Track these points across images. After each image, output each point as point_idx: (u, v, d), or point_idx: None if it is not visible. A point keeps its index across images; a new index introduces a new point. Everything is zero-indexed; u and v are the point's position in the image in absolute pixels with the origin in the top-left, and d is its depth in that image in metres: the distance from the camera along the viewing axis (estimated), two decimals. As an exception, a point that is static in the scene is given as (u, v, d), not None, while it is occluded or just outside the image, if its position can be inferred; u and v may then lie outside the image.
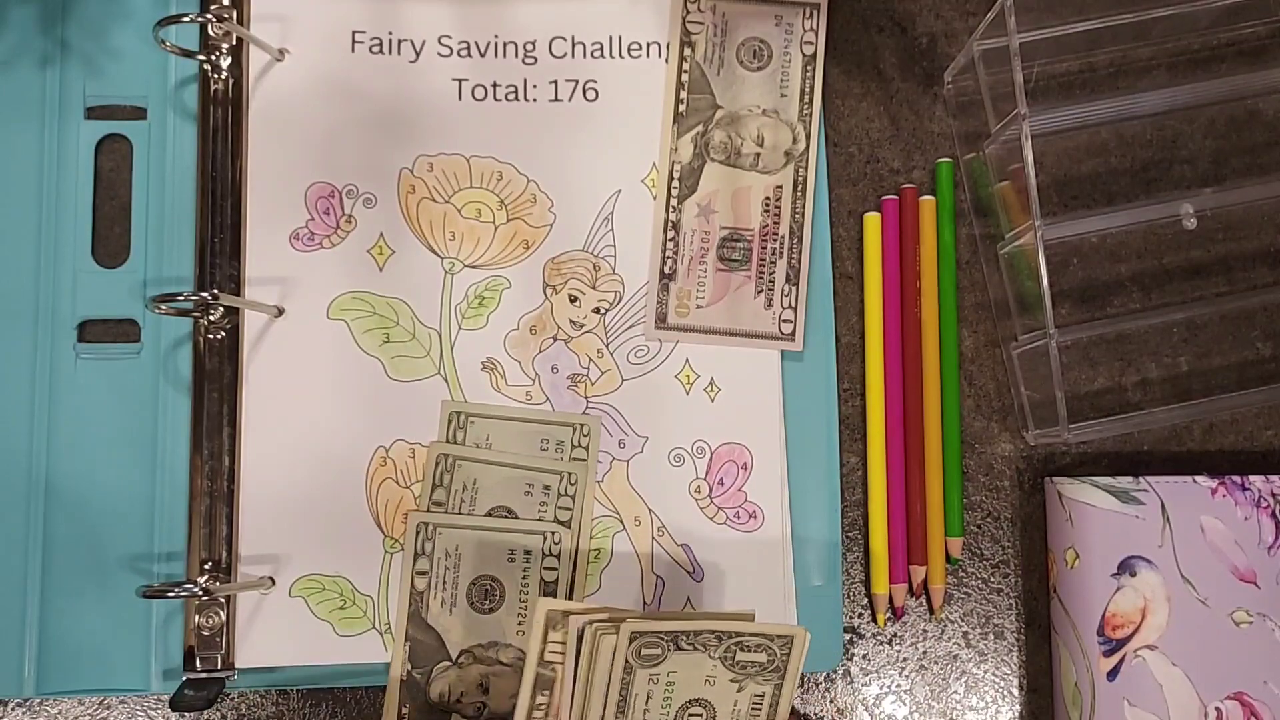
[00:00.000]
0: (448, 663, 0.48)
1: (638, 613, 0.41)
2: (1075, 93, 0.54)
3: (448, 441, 0.49)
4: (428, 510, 0.49)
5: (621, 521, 0.50)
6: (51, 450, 0.49)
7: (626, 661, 0.40)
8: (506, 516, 0.49)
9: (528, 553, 0.49)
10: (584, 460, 0.50)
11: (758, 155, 0.52)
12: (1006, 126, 0.48)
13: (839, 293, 0.52)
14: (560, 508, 0.49)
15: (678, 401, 0.51)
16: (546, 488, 0.49)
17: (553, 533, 0.49)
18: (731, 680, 0.41)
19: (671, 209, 0.51)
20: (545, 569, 0.49)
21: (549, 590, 0.48)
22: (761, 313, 0.51)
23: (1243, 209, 0.53)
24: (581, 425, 0.50)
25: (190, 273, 0.50)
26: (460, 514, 0.49)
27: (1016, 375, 0.52)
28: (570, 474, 0.49)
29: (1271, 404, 0.52)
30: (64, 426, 0.50)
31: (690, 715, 0.42)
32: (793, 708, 0.42)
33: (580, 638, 0.41)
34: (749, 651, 0.41)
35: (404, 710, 0.48)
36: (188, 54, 0.50)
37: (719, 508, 0.50)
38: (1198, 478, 0.49)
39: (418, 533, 0.49)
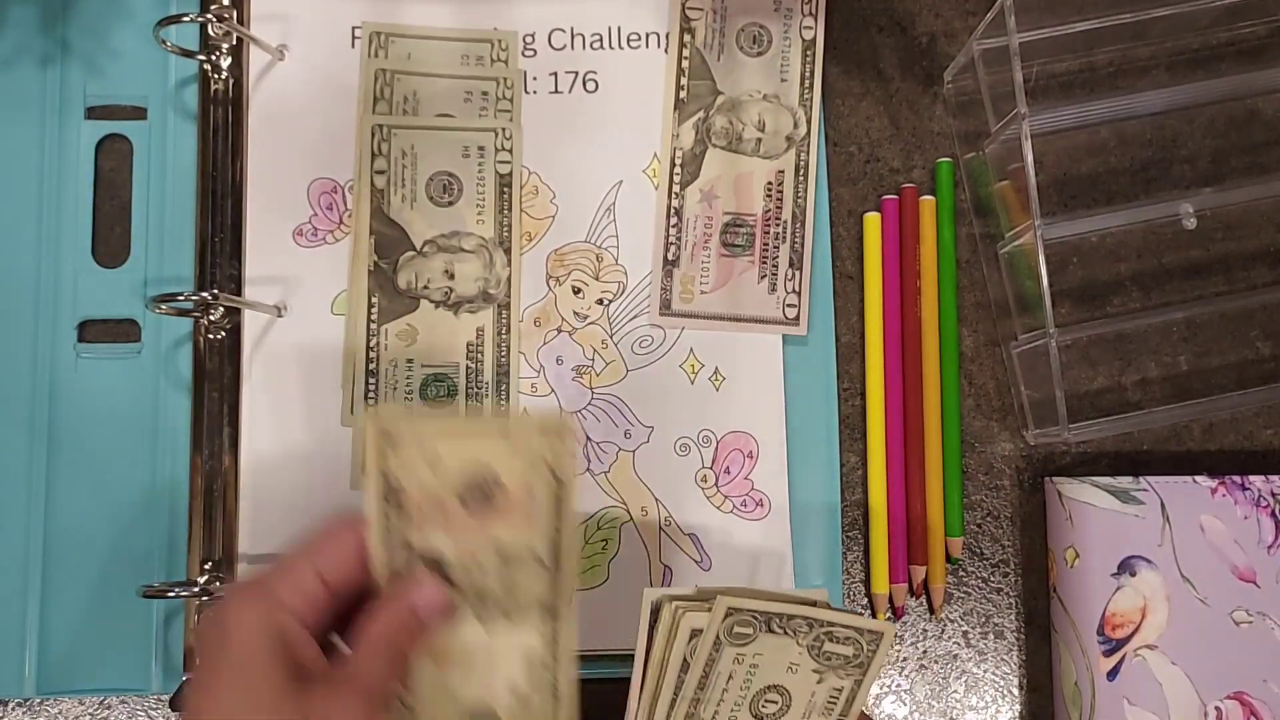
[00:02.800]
0: (412, 252, 0.50)
1: (732, 588, 0.40)
2: (1075, 92, 0.54)
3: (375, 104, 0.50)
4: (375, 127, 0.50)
5: (629, 512, 0.50)
6: (52, 450, 0.49)
7: (718, 637, 0.40)
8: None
9: (481, 149, 0.50)
10: (506, 65, 0.51)
11: (759, 140, 0.52)
12: (1006, 126, 0.48)
13: (839, 293, 0.52)
14: (500, 111, 0.51)
15: (683, 391, 0.51)
16: (485, 93, 0.51)
17: (504, 129, 0.50)
18: (814, 670, 0.41)
19: (674, 195, 0.52)
20: (499, 163, 0.50)
21: (504, 183, 0.50)
22: (765, 298, 0.51)
23: (1242, 209, 0.53)
24: (500, 40, 0.51)
25: (190, 273, 0.50)
26: (410, 116, 0.51)
27: (1016, 375, 0.52)
28: (506, 79, 0.51)
29: (1271, 403, 0.52)
30: (64, 426, 0.50)
31: (767, 701, 0.41)
32: (863, 714, 0.42)
33: (656, 614, 0.41)
34: (837, 643, 0.40)
35: (374, 299, 0.50)
36: (188, 54, 0.50)
37: (726, 496, 0.50)
38: (1198, 477, 0.49)
39: (372, 135, 0.50)
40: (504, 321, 0.50)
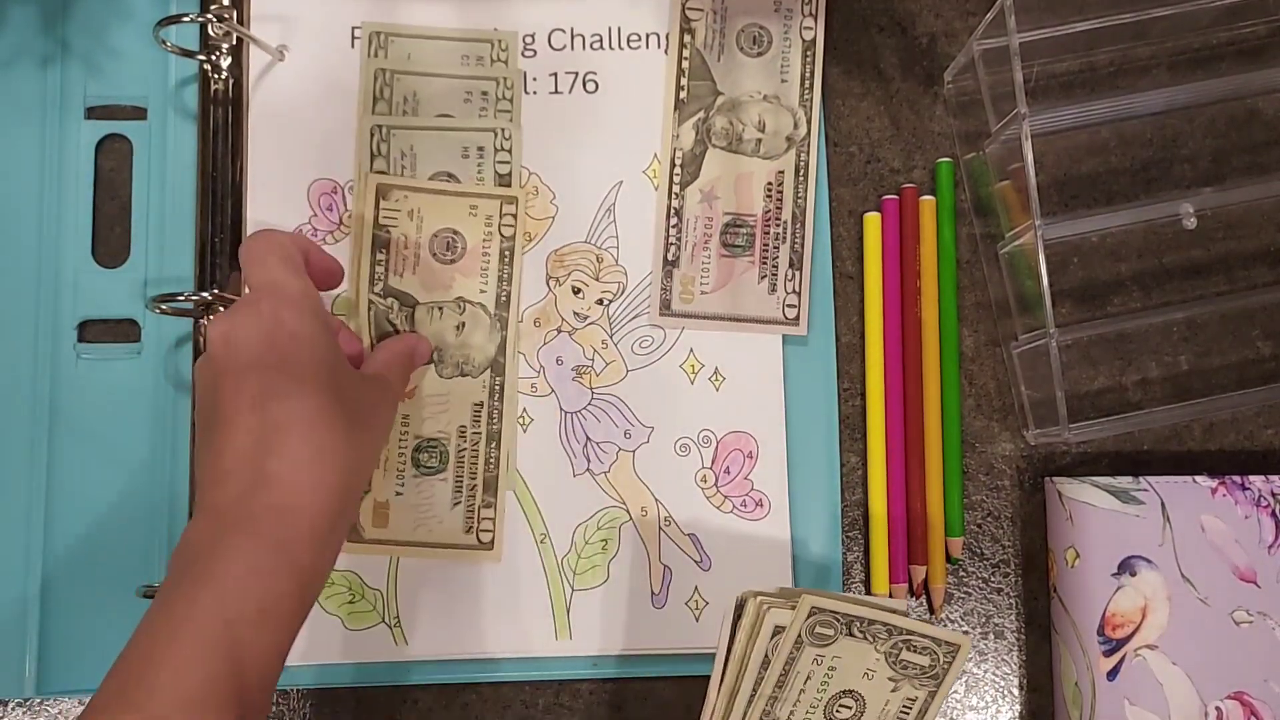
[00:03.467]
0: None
1: (815, 590, 0.41)
2: (1075, 92, 0.54)
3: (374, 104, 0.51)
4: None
5: (628, 512, 0.50)
6: (51, 450, 0.49)
7: (799, 636, 0.40)
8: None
9: (480, 149, 0.50)
10: (507, 65, 0.51)
11: (759, 141, 0.52)
12: (1006, 126, 0.48)
13: (839, 293, 0.52)
14: (500, 111, 0.51)
15: (683, 391, 0.51)
16: (485, 93, 0.51)
17: (503, 129, 0.50)
18: (890, 678, 0.41)
19: (674, 196, 0.52)
20: (499, 163, 0.50)
21: (504, 183, 0.51)
22: (766, 298, 0.51)
23: (1243, 208, 0.53)
24: (500, 41, 0.51)
25: (190, 273, 0.50)
26: (410, 116, 0.51)
27: (1016, 375, 0.52)
28: (506, 79, 0.51)
29: (1271, 403, 0.52)
30: (64, 426, 0.50)
31: (841, 705, 0.42)
32: None
33: (740, 610, 0.41)
34: (914, 652, 0.41)
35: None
36: (188, 54, 0.50)
37: (726, 496, 0.50)
38: (1198, 477, 0.49)
39: (372, 135, 0.50)
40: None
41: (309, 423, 0.37)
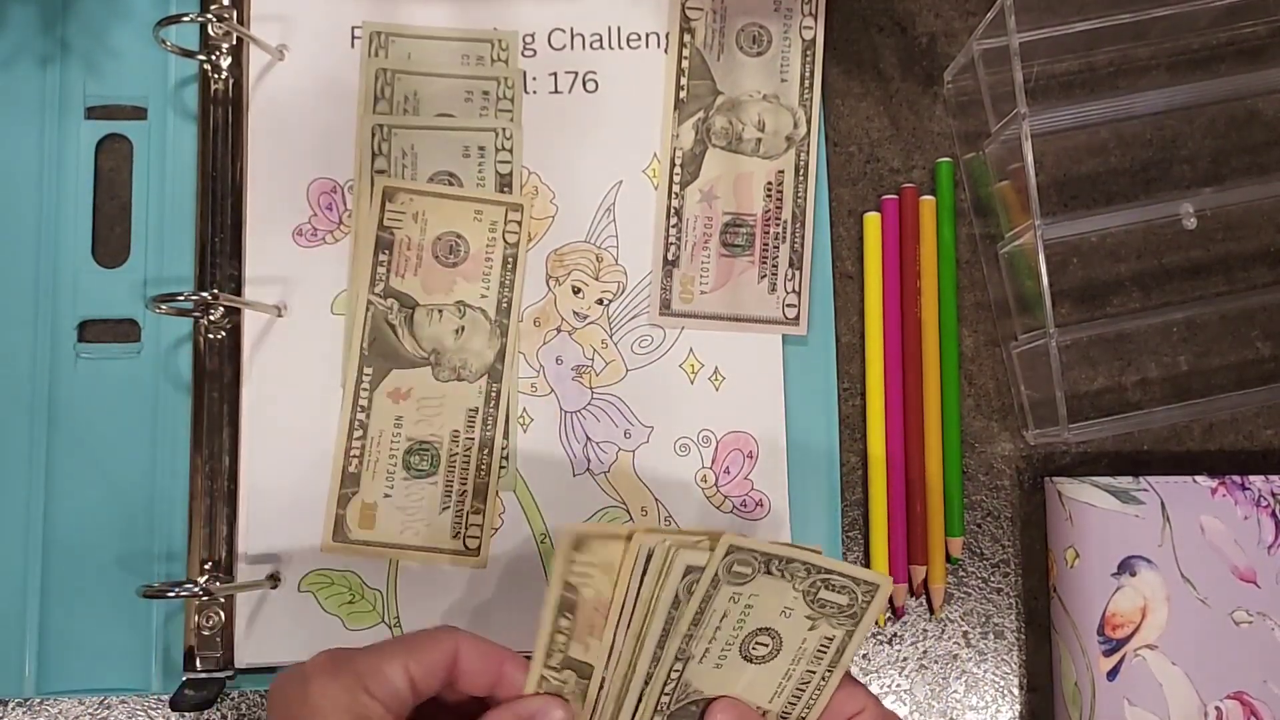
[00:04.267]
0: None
1: (724, 535, 0.40)
2: (1075, 92, 0.54)
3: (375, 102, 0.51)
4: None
5: (628, 512, 0.50)
6: (51, 450, 0.49)
7: (716, 574, 0.40)
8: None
9: (481, 148, 0.50)
10: (508, 65, 0.51)
11: (759, 140, 0.52)
12: (1006, 126, 0.48)
13: (839, 293, 0.52)
14: (500, 111, 0.51)
15: (682, 391, 0.51)
16: (485, 93, 0.51)
17: (504, 129, 0.50)
18: (807, 616, 0.41)
19: (674, 195, 0.52)
20: (500, 163, 0.50)
21: (504, 183, 0.50)
22: (765, 298, 0.51)
23: (1243, 209, 0.53)
24: (500, 40, 0.51)
25: (190, 273, 0.50)
26: (411, 115, 0.51)
27: (1016, 375, 0.52)
28: (507, 79, 0.51)
29: (1271, 403, 0.52)
30: (64, 426, 0.50)
31: (757, 643, 0.41)
32: (848, 672, 0.41)
33: (649, 557, 0.41)
34: (833, 591, 0.40)
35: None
36: (188, 54, 0.50)
37: (726, 496, 0.50)
38: (1198, 477, 0.49)
39: (373, 135, 0.50)
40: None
41: None
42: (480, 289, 0.50)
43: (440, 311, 0.50)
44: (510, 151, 0.51)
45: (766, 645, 0.41)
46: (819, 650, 0.41)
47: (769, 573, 0.40)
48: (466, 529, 0.49)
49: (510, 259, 0.50)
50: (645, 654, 0.40)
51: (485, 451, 0.50)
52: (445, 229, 0.50)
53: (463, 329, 0.50)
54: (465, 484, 0.49)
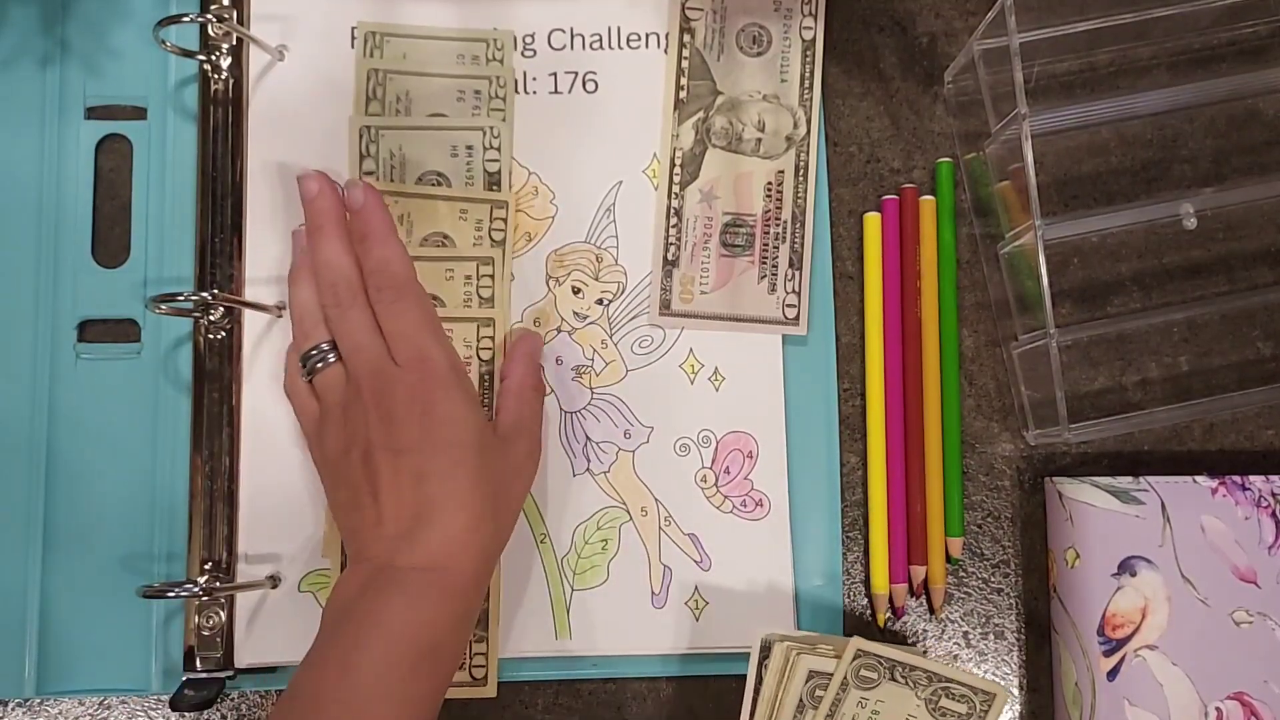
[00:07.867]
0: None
1: (852, 639, 0.44)
2: (1075, 92, 0.54)
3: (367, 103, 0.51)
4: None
5: (628, 512, 0.50)
6: (51, 450, 0.49)
7: (845, 679, 0.43)
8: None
9: (469, 147, 0.50)
10: (503, 64, 0.52)
11: (759, 141, 0.52)
12: (1006, 126, 0.48)
13: (839, 293, 0.52)
14: (492, 110, 0.51)
15: (682, 391, 0.51)
16: (478, 92, 0.51)
17: (491, 127, 0.50)
18: None
19: (674, 195, 0.52)
20: (488, 161, 0.50)
21: (493, 181, 0.51)
22: (765, 298, 0.51)
23: (1243, 209, 0.53)
24: (495, 39, 0.51)
25: (190, 273, 0.50)
26: (403, 116, 0.51)
27: (1016, 375, 0.52)
28: (499, 78, 0.51)
29: (1272, 404, 0.52)
30: (64, 426, 0.50)
31: None
32: None
33: (766, 651, 0.44)
34: (953, 699, 0.44)
35: None
36: (188, 54, 0.50)
37: (725, 496, 0.50)
38: (1198, 478, 0.49)
39: (360, 136, 0.50)
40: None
41: (460, 501, 0.43)
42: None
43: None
44: (499, 150, 0.51)
45: None
46: None
47: (894, 679, 0.44)
48: None
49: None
50: None
51: None
52: (432, 229, 0.50)
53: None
54: None
